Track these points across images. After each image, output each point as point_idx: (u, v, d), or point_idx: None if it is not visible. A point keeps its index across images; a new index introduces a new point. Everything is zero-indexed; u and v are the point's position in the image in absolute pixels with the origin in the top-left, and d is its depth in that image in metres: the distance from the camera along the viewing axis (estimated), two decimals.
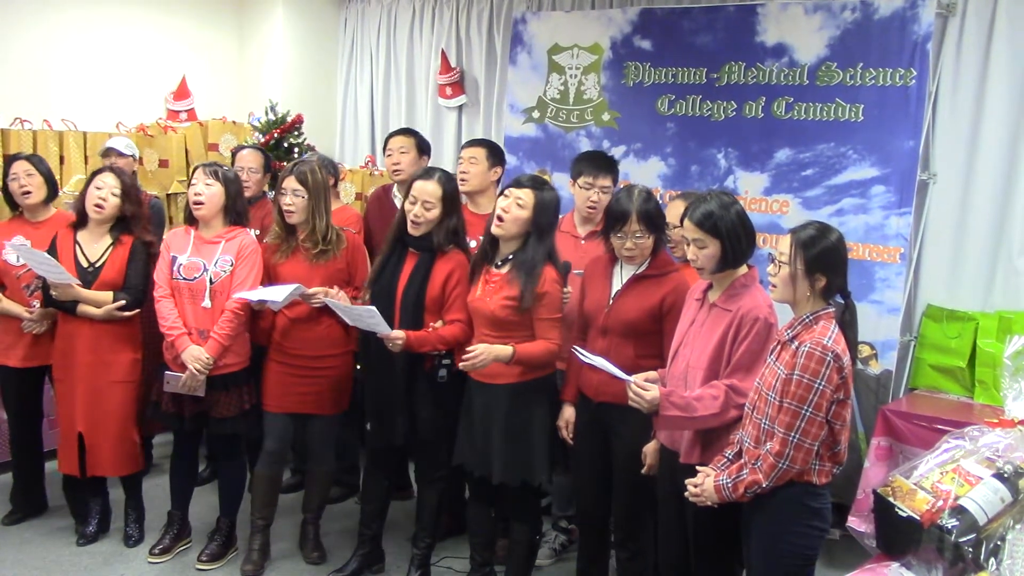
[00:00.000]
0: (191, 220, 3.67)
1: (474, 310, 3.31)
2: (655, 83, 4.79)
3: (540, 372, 3.28)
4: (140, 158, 4.99)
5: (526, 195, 3.21)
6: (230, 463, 3.86)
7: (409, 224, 3.40)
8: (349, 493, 4.50)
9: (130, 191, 3.76)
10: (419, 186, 3.40)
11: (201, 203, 3.58)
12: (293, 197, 3.55)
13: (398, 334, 3.32)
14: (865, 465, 3.82)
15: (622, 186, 3.51)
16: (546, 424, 3.29)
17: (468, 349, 3.18)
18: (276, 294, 3.48)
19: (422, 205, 3.37)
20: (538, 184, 3.28)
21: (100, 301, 3.67)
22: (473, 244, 3.82)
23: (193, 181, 3.63)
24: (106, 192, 3.71)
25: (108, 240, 3.75)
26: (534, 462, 3.26)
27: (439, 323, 3.42)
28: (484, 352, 3.15)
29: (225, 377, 3.60)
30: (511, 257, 3.25)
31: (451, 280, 3.41)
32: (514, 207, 3.21)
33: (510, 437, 3.25)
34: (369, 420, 3.66)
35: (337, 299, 3.51)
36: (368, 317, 3.32)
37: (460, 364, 3.19)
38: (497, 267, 3.29)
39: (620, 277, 3.24)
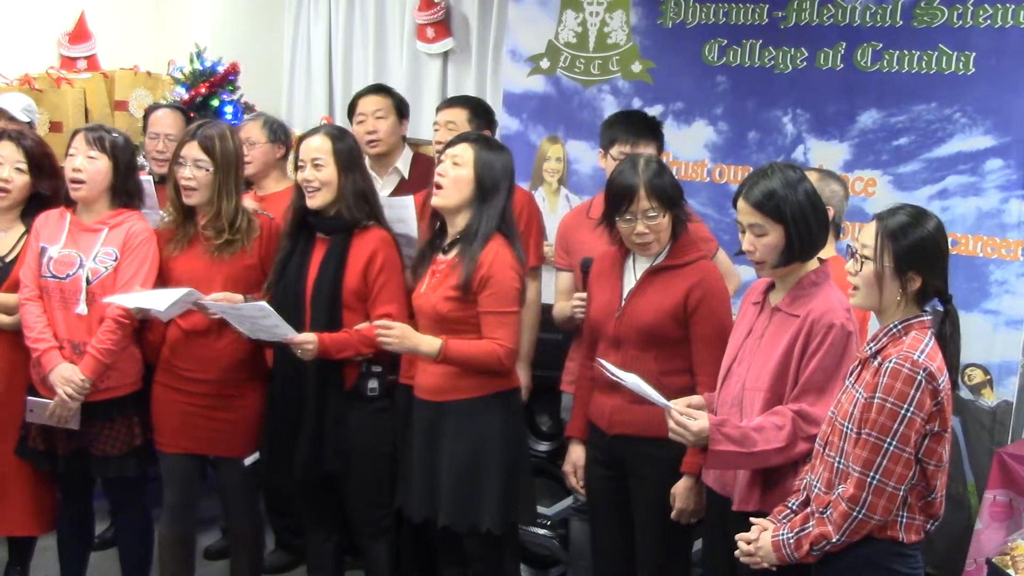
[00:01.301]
0: (68, 201, 3.67)
1: (417, 310, 3.41)
2: (701, 23, 4.83)
3: (495, 385, 3.35)
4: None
5: (462, 151, 3.35)
6: (129, 517, 3.88)
7: (306, 197, 3.51)
8: (298, 560, 4.50)
9: (41, 161, 3.78)
10: (304, 146, 3.55)
11: (81, 182, 3.58)
12: (194, 169, 3.57)
13: (307, 337, 3.39)
14: (976, 526, 3.85)
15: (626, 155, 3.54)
16: (500, 453, 3.35)
17: (385, 323, 3.28)
18: (159, 300, 3.45)
19: (311, 165, 3.50)
20: (478, 138, 3.44)
21: (11, 306, 3.70)
22: None
23: (71, 151, 3.62)
24: (7, 169, 3.72)
25: (20, 229, 3.79)
26: (483, 502, 3.33)
27: (366, 324, 3.49)
28: (400, 334, 3.25)
29: (108, 404, 3.61)
30: (460, 237, 3.36)
31: (374, 264, 3.48)
32: (450, 168, 3.34)
33: (456, 468, 3.33)
34: (265, 449, 3.68)
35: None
36: (262, 318, 3.36)
37: (375, 333, 3.29)
38: (444, 253, 3.40)
39: (633, 272, 3.31)
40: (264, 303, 3.37)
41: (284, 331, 3.38)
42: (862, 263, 2.60)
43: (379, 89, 4.56)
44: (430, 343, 3.28)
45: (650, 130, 3.81)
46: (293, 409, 3.55)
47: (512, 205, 3.43)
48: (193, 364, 3.63)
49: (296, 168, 3.58)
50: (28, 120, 4.55)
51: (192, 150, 3.57)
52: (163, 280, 3.62)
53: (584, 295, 3.54)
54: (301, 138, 3.62)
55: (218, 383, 3.63)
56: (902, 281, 2.55)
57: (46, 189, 3.79)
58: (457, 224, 3.37)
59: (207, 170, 3.56)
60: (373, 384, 3.53)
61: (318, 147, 3.51)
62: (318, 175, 3.49)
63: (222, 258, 3.59)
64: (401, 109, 4.43)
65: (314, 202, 3.50)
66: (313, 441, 3.51)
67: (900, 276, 2.55)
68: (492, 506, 3.33)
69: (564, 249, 3.90)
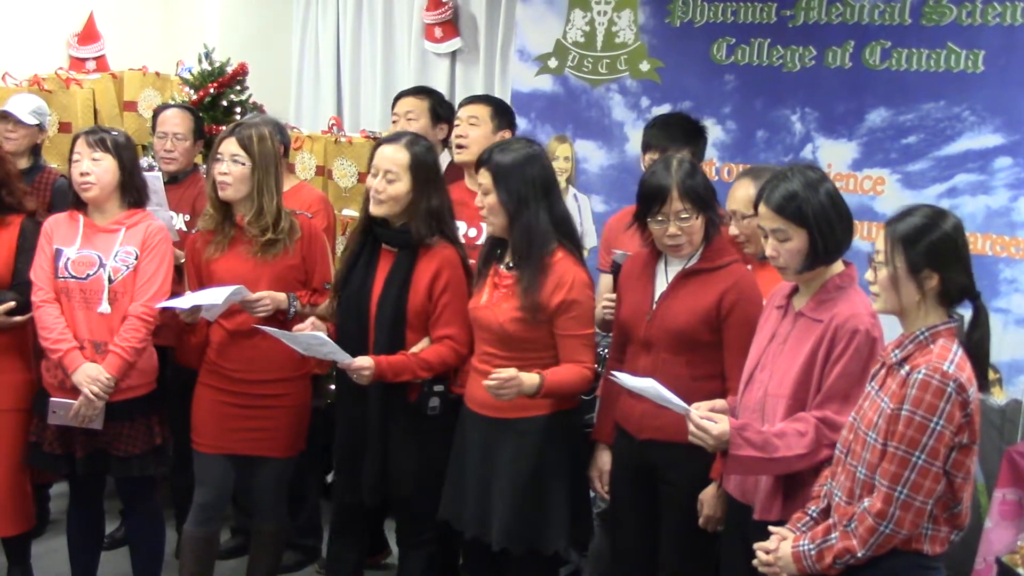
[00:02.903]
0: (78, 203, 3.66)
1: (477, 321, 3.30)
2: (709, 22, 4.80)
3: (561, 404, 3.27)
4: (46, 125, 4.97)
5: (483, 177, 3.24)
6: (143, 517, 3.86)
7: (371, 202, 3.41)
8: (307, 560, 4.50)
9: None
10: (380, 152, 3.43)
11: (90, 184, 3.57)
12: (231, 164, 3.53)
13: (364, 363, 3.31)
14: (986, 525, 3.81)
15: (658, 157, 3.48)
16: (566, 471, 3.28)
17: (496, 373, 3.10)
18: (213, 297, 3.46)
19: (383, 176, 3.39)
20: (492, 152, 3.26)
21: None
22: (473, 233, 3.82)
23: (75, 156, 3.60)
24: None
25: None
26: (548, 522, 3.25)
27: (425, 342, 3.42)
28: (517, 383, 3.09)
29: (128, 404, 3.59)
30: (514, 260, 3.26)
31: (438, 283, 3.40)
32: (482, 197, 3.26)
33: (517, 489, 3.24)
34: (335, 469, 3.65)
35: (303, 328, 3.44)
36: (318, 345, 3.31)
37: (484, 383, 3.13)
38: (509, 268, 3.28)
39: (665, 275, 3.25)
40: (320, 333, 3.30)
41: (340, 356, 3.31)
42: (878, 269, 2.55)
43: (418, 91, 4.52)
44: (531, 380, 3.13)
45: (684, 135, 3.75)
46: (357, 431, 3.48)
47: (562, 208, 3.31)
48: (241, 365, 3.62)
49: (368, 171, 3.47)
50: (37, 123, 4.49)
51: (229, 146, 3.55)
52: (204, 283, 3.62)
53: (613, 296, 3.47)
54: (379, 142, 3.51)
55: (266, 383, 3.62)
56: (918, 280, 2.49)
57: None
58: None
59: (243, 164, 3.54)
60: (435, 403, 3.43)
61: (394, 159, 3.38)
62: (388, 188, 3.38)
63: (265, 259, 3.57)
64: (437, 112, 4.35)
65: (376, 210, 3.40)
66: (379, 464, 3.45)
67: (915, 276, 2.49)
68: (560, 526, 3.26)
69: (607, 251, 3.83)
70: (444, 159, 4.34)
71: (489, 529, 3.27)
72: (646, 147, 3.75)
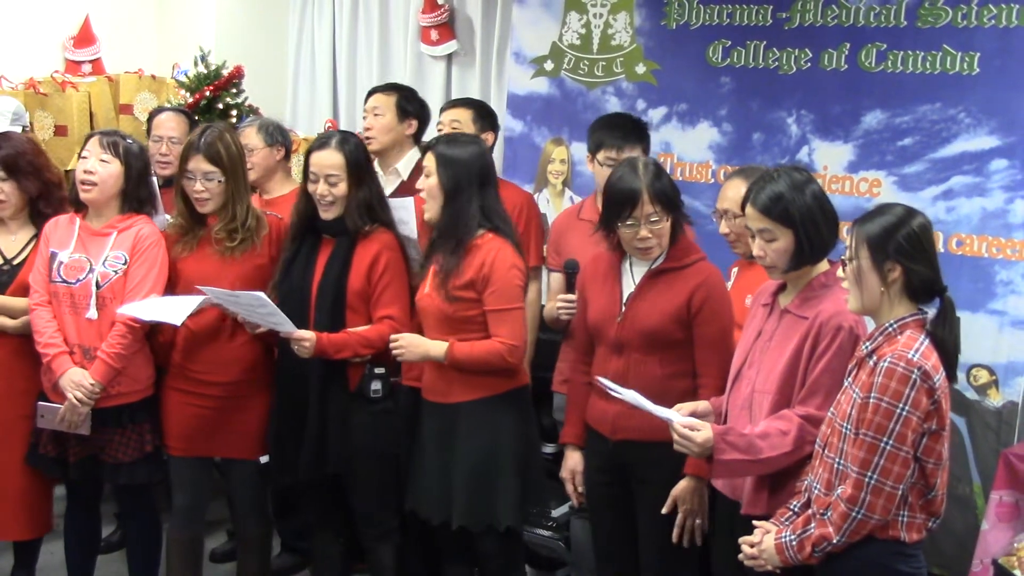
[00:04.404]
0: (78, 205, 3.70)
1: (421, 312, 3.46)
2: (705, 24, 4.85)
3: (505, 384, 3.40)
4: (30, 126, 5.07)
5: (428, 160, 3.41)
6: (139, 522, 3.92)
7: (320, 209, 3.55)
8: (304, 562, 4.53)
9: (16, 164, 3.77)
10: (315, 159, 3.56)
11: (91, 183, 3.60)
12: (205, 182, 3.59)
13: (305, 334, 3.43)
14: (983, 527, 3.85)
15: (623, 159, 3.57)
16: (514, 450, 3.40)
17: (394, 337, 3.36)
18: (174, 310, 3.47)
19: (325, 181, 3.53)
20: (439, 141, 3.47)
21: (16, 309, 3.74)
22: None
23: (84, 154, 3.64)
24: None
25: (30, 231, 3.84)
26: (498, 500, 3.37)
27: (365, 327, 3.54)
28: (408, 343, 3.33)
29: (119, 410, 3.63)
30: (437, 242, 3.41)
31: (377, 266, 3.53)
32: (424, 180, 3.41)
33: (469, 467, 3.36)
34: (270, 451, 3.72)
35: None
36: (259, 306, 3.39)
37: (391, 347, 3.37)
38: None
39: (631, 275, 3.33)
40: (260, 293, 3.39)
41: (281, 323, 3.41)
42: (846, 265, 2.67)
43: (386, 87, 4.58)
44: (438, 347, 3.34)
45: (636, 133, 3.84)
46: (297, 409, 3.58)
47: (494, 200, 3.44)
48: (206, 367, 3.66)
49: (306, 179, 3.59)
50: (21, 127, 4.55)
51: (200, 164, 3.60)
52: (172, 281, 3.65)
53: (570, 296, 3.57)
54: (310, 149, 3.62)
55: (232, 384, 3.67)
56: (881, 272, 2.60)
57: (32, 189, 3.81)
58: None
59: (218, 181, 3.60)
60: (376, 386, 3.57)
61: (332, 164, 3.53)
62: (333, 191, 3.53)
63: (233, 258, 3.63)
64: (404, 108, 4.40)
65: (328, 214, 3.55)
66: (316, 442, 3.55)
67: (878, 267, 2.60)
68: (509, 504, 3.37)
69: (556, 250, 3.93)
70: (411, 156, 4.36)
71: (451, 511, 3.38)
72: (598, 146, 3.81)
